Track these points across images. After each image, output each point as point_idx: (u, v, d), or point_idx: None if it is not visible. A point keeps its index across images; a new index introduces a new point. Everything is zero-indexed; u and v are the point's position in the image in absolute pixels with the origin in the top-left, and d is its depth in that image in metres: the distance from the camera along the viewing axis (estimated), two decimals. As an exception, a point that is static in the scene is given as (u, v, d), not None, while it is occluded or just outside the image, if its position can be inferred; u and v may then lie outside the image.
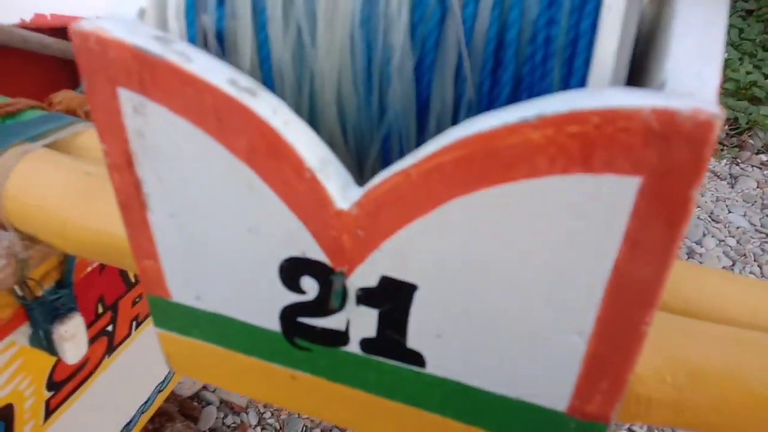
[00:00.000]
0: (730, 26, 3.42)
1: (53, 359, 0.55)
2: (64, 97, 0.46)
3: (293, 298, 0.19)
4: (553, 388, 0.17)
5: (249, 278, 0.20)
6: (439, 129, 0.17)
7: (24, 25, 0.85)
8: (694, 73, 0.13)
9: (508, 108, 0.14)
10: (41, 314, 0.44)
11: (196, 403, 1.31)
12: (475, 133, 0.13)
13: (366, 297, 0.18)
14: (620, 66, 0.15)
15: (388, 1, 0.16)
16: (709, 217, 2.32)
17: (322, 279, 0.18)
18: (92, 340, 0.57)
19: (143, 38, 0.16)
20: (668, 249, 0.13)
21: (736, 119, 2.68)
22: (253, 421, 1.30)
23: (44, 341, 0.46)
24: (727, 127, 2.67)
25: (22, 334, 0.47)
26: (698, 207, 2.27)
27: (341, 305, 0.18)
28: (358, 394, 0.21)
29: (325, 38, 0.17)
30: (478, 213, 0.15)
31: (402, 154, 0.17)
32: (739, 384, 0.26)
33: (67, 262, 0.45)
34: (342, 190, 0.17)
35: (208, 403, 1.31)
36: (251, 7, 0.17)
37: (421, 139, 0.18)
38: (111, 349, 0.66)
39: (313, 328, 0.20)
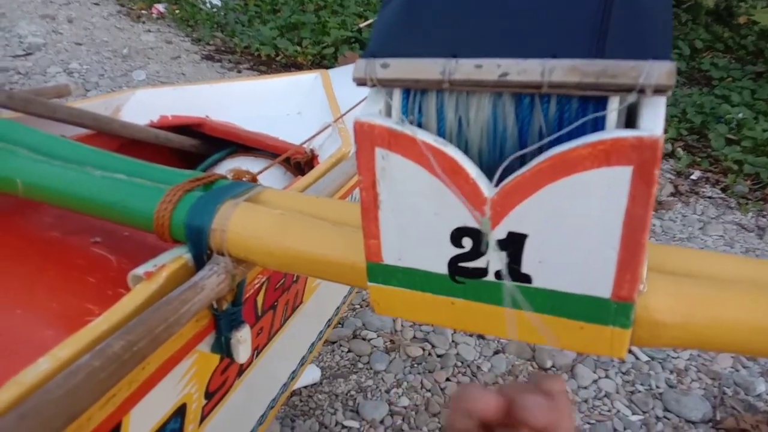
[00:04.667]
0: (743, 88, 3.63)
1: (210, 373, 0.72)
2: (233, 171, 0.66)
3: (457, 251, 0.37)
4: (602, 284, 0.34)
5: (431, 243, 0.37)
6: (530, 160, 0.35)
7: (152, 125, 1.09)
8: (651, 125, 0.30)
9: (570, 142, 0.32)
10: (225, 324, 0.62)
11: None
12: (557, 153, 0.31)
13: (500, 245, 0.35)
14: (619, 123, 0.33)
15: (504, 101, 0.35)
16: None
17: (475, 237, 0.36)
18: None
19: (392, 124, 0.35)
20: (648, 198, 0.31)
21: (757, 174, 2.82)
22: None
23: (224, 345, 0.64)
24: (749, 182, 2.82)
25: (206, 342, 0.64)
26: (729, 259, 2.38)
27: (486, 251, 0.36)
28: (491, 308, 0.38)
29: (474, 124, 0.35)
30: (560, 191, 0.32)
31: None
32: (730, 311, 0.40)
33: (239, 288, 0.63)
34: (488, 188, 0.35)
35: None
36: (436, 113, 0.36)
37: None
38: (240, 372, 0.83)
39: (466, 268, 0.37)
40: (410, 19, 0.36)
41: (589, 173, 0.32)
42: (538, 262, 0.35)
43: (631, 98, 0.31)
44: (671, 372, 1.73)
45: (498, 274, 0.37)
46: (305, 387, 1.61)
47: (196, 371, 0.68)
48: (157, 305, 0.48)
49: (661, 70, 0.29)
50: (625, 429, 1.55)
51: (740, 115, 3.26)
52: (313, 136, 0.95)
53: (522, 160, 0.35)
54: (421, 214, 0.37)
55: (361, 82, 0.36)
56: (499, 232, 0.35)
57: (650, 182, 0.30)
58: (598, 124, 0.33)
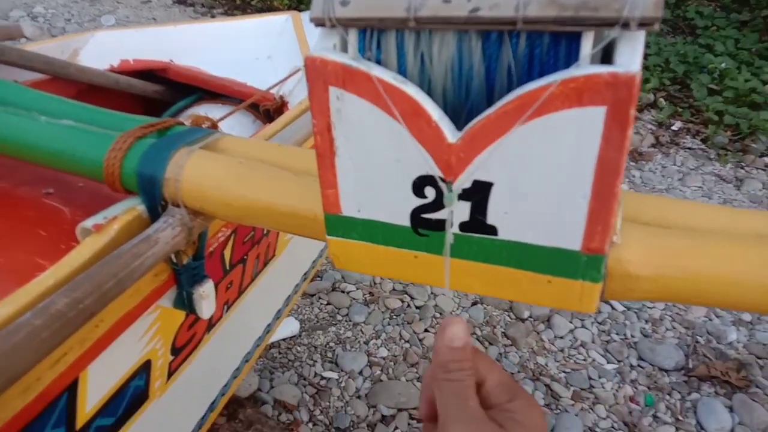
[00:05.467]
0: (726, 37, 3.59)
1: (176, 328, 0.70)
2: (192, 117, 0.62)
3: (419, 202, 0.34)
4: (571, 236, 0.32)
5: (392, 192, 0.34)
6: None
7: (113, 69, 1.03)
8: (628, 60, 0.28)
9: (540, 79, 0.29)
10: (186, 279, 0.60)
11: (253, 402, 1.44)
12: (528, 91, 0.28)
13: (464, 194, 0.33)
14: (594, 59, 0.30)
15: (471, 37, 0.31)
16: (719, 219, 2.42)
17: (438, 187, 0.33)
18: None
19: (347, 59, 0.31)
20: (623, 141, 0.28)
21: (737, 125, 2.82)
22: (305, 418, 1.43)
23: (186, 301, 0.61)
24: (729, 133, 2.82)
25: (167, 297, 0.62)
26: (707, 210, 2.40)
27: (449, 201, 0.33)
28: (456, 262, 0.36)
29: (437, 62, 0.32)
30: (527, 134, 0.30)
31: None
32: (706, 263, 0.38)
33: (200, 240, 0.60)
34: (451, 132, 0.32)
35: (264, 402, 1.44)
36: (396, 49, 0.32)
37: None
38: (209, 327, 0.81)
39: (430, 220, 0.35)
40: None
41: (559, 114, 0.29)
42: (504, 212, 0.33)
43: (614, 33, 0.27)
44: (646, 322, 1.76)
45: (463, 226, 0.34)
46: (284, 339, 1.61)
47: (160, 326, 0.65)
48: (106, 260, 0.45)
49: (647, 1, 0.26)
50: (600, 377, 1.58)
51: (723, 65, 3.23)
52: (282, 81, 0.90)
53: (489, 102, 0.32)
54: (380, 162, 0.34)
55: (319, 23, 0.33)
56: (464, 181, 0.32)
57: (625, 124, 0.28)
58: (571, 60, 0.30)
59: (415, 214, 0.35)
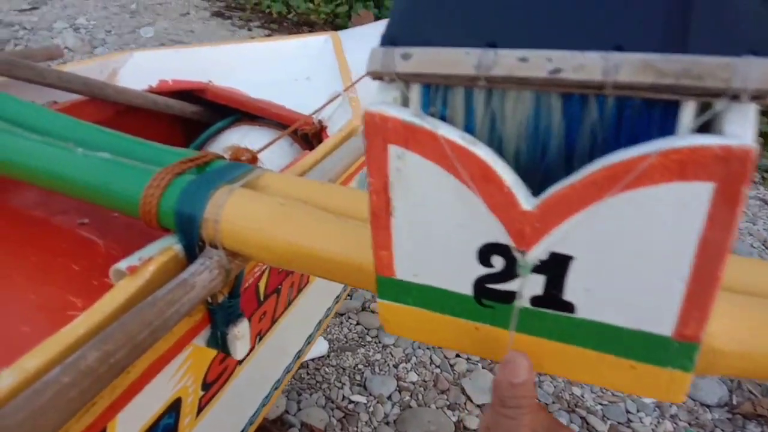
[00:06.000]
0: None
1: (208, 364, 0.68)
2: (231, 149, 0.60)
3: (484, 271, 0.31)
4: (663, 320, 0.28)
5: (455, 259, 0.31)
6: (579, 167, 0.28)
7: (151, 90, 1.02)
8: (740, 131, 0.24)
9: (637, 147, 0.25)
10: (221, 318, 0.57)
11: (280, 425, 1.42)
12: (619, 161, 0.25)
13: (538, 267, 0.29)
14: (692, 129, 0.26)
15: (551, 96, 0.28)
16: (763, 245, 2.34)
17: (508, 256, 0.30)
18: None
19: (409, 116, 0.28)
20: (731, 221, 0.24)
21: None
22: (333, 441, 1.39)
23: (220, 341, 0.59)
24: (775, 156, 2.72)
25: (201, 336, 0.59)
26: (751, 235, 2.31)
27: (521, 273, 0.30)
28: (525, 338, 0.32)
29: (510, 122, 0.29)
30: (618, 207, 0.26)
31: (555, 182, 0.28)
32: None
33: (237, 279, 0.57)
34: (526, 198, 0.28)
35: (291, 426, 1.41)
36: (464, 105, 0.29)
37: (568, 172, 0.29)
38: (241, 360, 0.79)
39: (496, 290, 0.31)
40: None
41: (656, 188, 0.25)
42: (584, 289, 0.29)
43: (720, 106, 0.24)
44: (688, 354, 1.68)
45: (535, 300, 0.30)
46: (312, 360, 1.58)
47: (192, 364, 0.63)
48: (140, 307, 0.43)
49: (762, 70, 0.22)
50: (638, 411, 1.51)
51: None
52: (322, 107, 0.88)
53: (569, 167, 0.28)
54: (442, 226, 0.30)
55: (376, 76, 0.30)
56: (539, 252, 0.29)
57: (735, 203, 0.24)
58: (668, 125, 0.26)
59: (480, 283, 0.31)
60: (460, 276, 0.32)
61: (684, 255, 0.26)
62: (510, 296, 0.31)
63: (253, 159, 0.61)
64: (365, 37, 1.30)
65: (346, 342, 1.64)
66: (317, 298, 1.07)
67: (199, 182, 0.49)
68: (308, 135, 0.91)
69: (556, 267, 0.29)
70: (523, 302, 0.31)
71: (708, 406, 1.53)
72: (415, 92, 0.30)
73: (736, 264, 0.38)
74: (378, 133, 0.29)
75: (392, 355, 1.61)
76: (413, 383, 1.53)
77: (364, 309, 1.75)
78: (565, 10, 0.27)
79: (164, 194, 0.49)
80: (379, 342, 1.65)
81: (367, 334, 1.68)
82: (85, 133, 0.58)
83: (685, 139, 0.24)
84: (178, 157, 0.54)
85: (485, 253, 0.30)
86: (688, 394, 0.31)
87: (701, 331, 0.28)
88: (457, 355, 1.61)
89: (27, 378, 0.37)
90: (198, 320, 0.56)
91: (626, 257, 0.27)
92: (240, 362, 0.78)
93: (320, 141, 0.93)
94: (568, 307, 0.30)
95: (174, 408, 0.63)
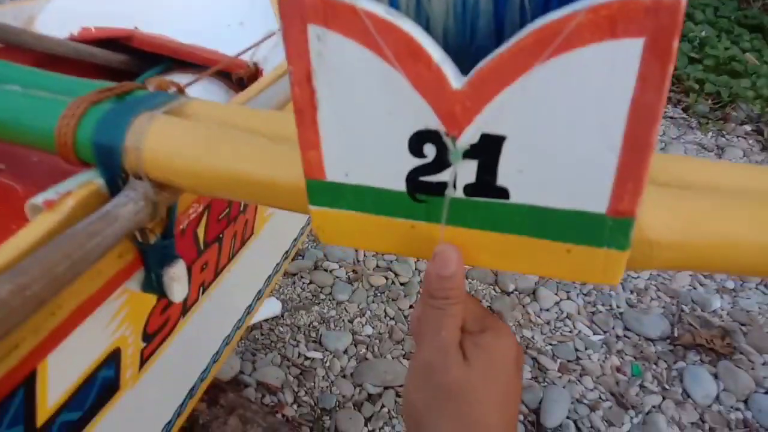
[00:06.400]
0: (706, 5, 3.56)
1: (147, 313, 0.65)
2: (155, 80, 0.56)
3: (417, 162, 0.29)
4: (597, 196, 0.27)
5: (386, 152, 0.29)
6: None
7: (73, 38, 0.95)
8: None
9: (565, 7, 0.24)
10: (154, 259, 0.54)
11: (235, 385, 1.40)
12: (549, 22, 0.24)
13: (470, 152, 0.28)
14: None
15: None
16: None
17: (439, 143, 0.28)
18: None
19: (328, -11, 0.26)
20: (663, 80, 0.24)
21: (718, 93, 2.80)
22: (289, 399, 1.39)
23: (155, 283, 0.56)
24: (710, 101, 2.80)
25: (135, 280, 0.56)
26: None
27: (452, 160, 0.28)
28: (459, 231, 0.31)
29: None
30: (548, 75, 0.25)
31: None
32: (727, 228, 0.34)
33: (169, 217, 0.54)
34: (455, 76, 0.27)
35: (246, 385, 1.40)
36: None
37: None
38: (185, 310, 0.76)
39: (429, 183, 0.30)
40: None
41: (586, 49, 0.24)
42: (517, 171, 0.28)
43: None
44: (631, 292, 1.75)
45: (468, 189, 0.29)
46: (266, 320, 1.56)
47: (129, 312, 0.60)
48: (58, 239, 0.40)
49: None
50: (586, 348, 1.57)
51: (703, 33, 3.20)
52: (256, 45, 0.84)
53: (498, 43, 0.27)
54: (371, 115, 0.29)
55: None
56: (470, 135, 0.27)
57: (667, 59, 0.23)
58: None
59: (413, 176, 0.30)
60: (393, 171, 0.30)
61: (615, 122, 0.25)
62: (444, 187, 0.30)
63: (180, 92, 0.57)
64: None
65: (300, 301, 1.63)
66: (264, 253, 1.05)
67: (118, 110, 0.46)
68: (243, 79, 0.88)
69: (488, 150, 0.28)
70: (456, 193, 0.30)
71: (651, 340, 1.59)
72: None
73: (669, 160, 0.38)
74: (295, 11, 0.27)
75: (347, 311, 1.61)
76: (368, 336, 1.54)
77: (316, 268, 1.74)
78: None
79: (80, 124, 0.46)
80: (333, 299, 1.64)
81: (321, 292, 1.67)
82: (-10, 68, 0.53)
83: (613, -8, 0.23)
84: (94, 87, 0.50)
85: (416, 142, 0.29)
86: (623, 277, 0.32)
87: (636, 206, 0.27)
88: (411, 306, 1.62)
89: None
90: (129, 261, 0.53)
91: (557, 130, 0.26)
92: (184, 314, 0.75)
93: (256, 85, 0.89)
94: (502, 193, 0.29)
95: (113, 358, 0.60)
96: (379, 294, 1.66)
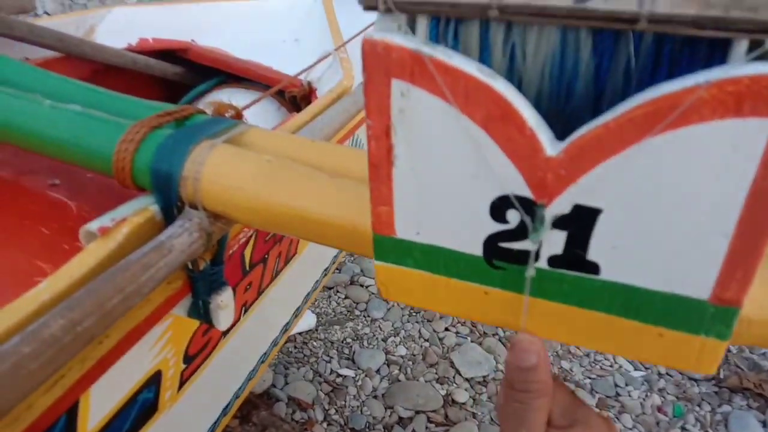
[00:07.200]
0: None
1: (189, 336, 0.64)
2: (214, 103, 0.56)
3: (497, 227, 0.27)
4: (701, 282, 0.25)
5: (463, 214, 0.27)
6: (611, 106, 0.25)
7: (131, 49, 0.96)
8: None
9: (684, 78, 0.21)
10: (203, 286, 0.53)
11: (266, 399, 1.39)
12: (663, 94, 0.21)
13: (559, 222, 0.26)
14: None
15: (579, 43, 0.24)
16: None
17: (525, 210, 0.26)
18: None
19: (417, 44, 0.24)
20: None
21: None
22: (320, 417, 1.37)
23: (202, 310, 0.55)
24: None
25: (182, 306, 0.55)
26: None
27: (538, 230, 0.26)
28: (540, 303, 0.29)
29: (532, 59, 0.25)
30: (658, 150, 0.22)
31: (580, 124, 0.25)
32: None
33: (220, 244, 0.53)
34: (550, 142, 0.24)
35: (278, 400, 1.39)
36: (478, 39, 0.25)
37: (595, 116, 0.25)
38: (225, 332, 0.75)
39: (509, 250, 0.27)
40: None
41: (704, 126, 0.21)
42: (611, 247, 0.26)
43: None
44: (678, 329, 1.68)
45: (553, 260, 0.27)
46: (300, 333, 1.55)
47: (172, 335, 0.59)
48: (111, 271, 0.39)
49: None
50: (626, 384, 1.51)
51: None
52: (311, 66, 0.83)
53: (597, 112, 0.25)
54: (451, 176, 0.27)
55: (369, 6, 0.25)
56: (561, 205, 0.25)
57: (800, 142, 0.20)
58: (715, 62, 0.23)
59: (491, 242, 0.28)
60: (469, 234, 0.28)
61: (731, 206, 0.23)
62: (525, 256, 0.27)
63: (238, 116, 0.56)
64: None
65: (335, 316, 1.62)
66: (305, 270, 1.04)
67: (178, 137, 0.45)
68: (296, 97, 0.87)
69: (580, 222, 0.25)
70: (540, 263, 0.27)
71: (695, 380, 1.53)
72: (422, 24, 0.26)
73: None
74: (380, 65, 0.25)
75: (381, 329, 1.59)
76: (402, 357, 1.52)
77: (352, 283, 1.72)
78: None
79: (139, 149, 0.45)
80: (368, 316, 1.62)
81: (356, 307, 1.65)
82: (54, 85, 0.53)
83: (744, 67, 0.20)
84: (155, 110, 0.49)
85: (499, 207, 0.27)
86: (721, 364, 0.29)
87: (743, 295, 0.25)
88: (446, 329, 1.59)
89: (-18, 348, 0.33)
90: (177, 288, 0.52)
91: (663, 209, 0.24)
92: (224, 334, 0.74)
93: (309, 104, 0.88)
94: (592, 268, 0.27)
95: (153, 381, 0.59)
96: (414, 314, 1.64)
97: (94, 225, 0.43)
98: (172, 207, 0.45)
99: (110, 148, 0.46)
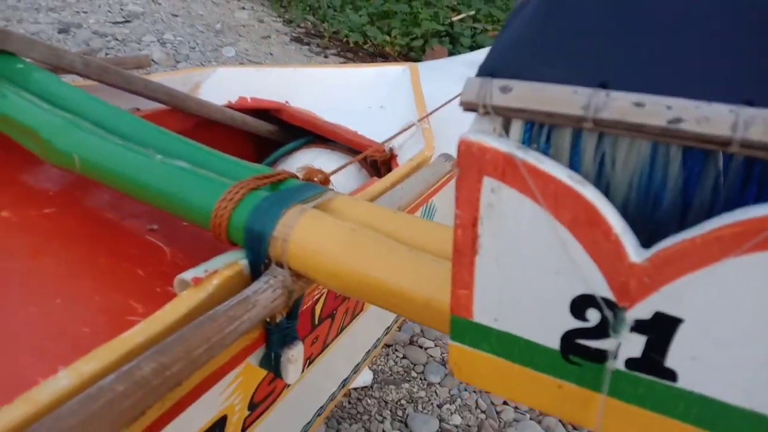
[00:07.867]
0: None
1: (257, 383, 0.66)
2: (304, 169, 0.59)
3: (576, 324, 0.28)
4: (783, 403, 0.24)
5: (543, 307, 0.28)
6: (695, 221, 0.25)
7: (230, 105, 1.04)
8: None
9: (773, 203, 0.22)
10: (277, 339, 0.55)
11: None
12: (754, 216, 0.22)
13: (639, 326, 0.26)
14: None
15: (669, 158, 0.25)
16: None
17: (605, 311, 0.27)
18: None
19: (511, 148, 0.26)
20: None
21: None
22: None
23: (273, 362, 0.57)
24: None
25: (255, 356, 0.58)
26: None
27: (618, 332, 0.27)
28: (614, 403, 0.29)
29: (621, 169, 0.26)
30: (743, 269, 0.23)
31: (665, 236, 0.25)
32: None
33: (296, 300, 0.56)
34: (635, 249, 0.25)
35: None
36: (569, 146, 0.27)
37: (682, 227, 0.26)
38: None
39: (587, 347, 0.28)
40: (547, 32, 0.27)
41: (794, 252, 0.22)
42: (690, 357, 0.26)
43: None
44: None
45: (631, 363, 0.27)
46: (355, 389, 1.55)
47: (242, 382, 0.62)
48: (200, 321, 0.42)
49: None
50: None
51: None
52: (395, 136, 0.87)
53: (683, 223, 0.26)
54: (534, 271, 0.28)
55: (470, 108, 0.28)
56: (642, 311, 0.26)
57: None
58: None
59: (569, 337, 0.28)
60: (548, 327, 0.29)
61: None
62: (602, 355, 0.28)
63: (326, 180, 0.60)
64: (441, 71, 1.29)
65: (391, 375, 1.61)
66: (368, 327, 1.05)
67: (272, 200, 0.49)
68: (377, 162, 0.91)
69: (660, 329, 0.26)
70: (617, 363, 0.28)
71: None
72: (517, 127, 0.28)
73: None
74: (473, 163, 0.27)
75: (437, 395, 1.56)
76: (456, 426, 1.48)
77: (411, 343, 1.71)
78: (688, 55, 0.24)
79: (236, 209, 0.48)
80: (425, 379, 1.60)
81: (413, 369, 1.63)
82: (165, 141, 0.59)
83: (837, 199, 0.21)
84: (253, 172, 0.53)
85: (579, 305, 0.27)
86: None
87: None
88: (505, 402, 1.55)
89: (82, 382, 0.37)
90: (254, 338, 0.55)
91: (744, 325, 0.24)
92: (288, 385, 0.76)
93: (389, 169, 0.92)
94: (669, 375, 0.27)
95: (219, 425, 0.62)
96: (473, 383, 1.60)
97: (188, 275, 0.46)
98: (260, 264, 0.49)
99: (210, 205, 0.50)
